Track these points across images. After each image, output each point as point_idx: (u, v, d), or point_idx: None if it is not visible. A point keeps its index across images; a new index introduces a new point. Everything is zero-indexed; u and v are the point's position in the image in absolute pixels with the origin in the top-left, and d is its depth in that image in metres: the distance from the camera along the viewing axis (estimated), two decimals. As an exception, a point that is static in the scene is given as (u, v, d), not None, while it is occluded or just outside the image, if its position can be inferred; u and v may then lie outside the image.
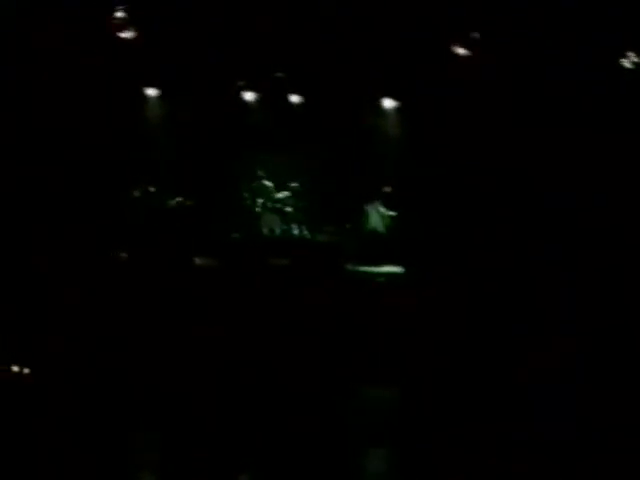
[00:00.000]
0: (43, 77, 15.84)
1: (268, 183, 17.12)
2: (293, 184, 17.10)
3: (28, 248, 15.15)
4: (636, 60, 14.70)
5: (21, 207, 15.54)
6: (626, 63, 14.69)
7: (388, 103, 16.89)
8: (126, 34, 15.60)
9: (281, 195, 17.05)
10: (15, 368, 12.58)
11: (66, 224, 15.64)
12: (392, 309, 14.55)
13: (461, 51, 15.51)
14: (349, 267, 15.85)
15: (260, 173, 17.09)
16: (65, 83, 15.95)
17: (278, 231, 16.89)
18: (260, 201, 17.02)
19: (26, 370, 12.62)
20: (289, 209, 17.00)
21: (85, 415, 11.06)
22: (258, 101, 17.07)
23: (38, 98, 15.85)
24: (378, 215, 16.62)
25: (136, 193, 16.67)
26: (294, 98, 17.02)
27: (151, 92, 17.03)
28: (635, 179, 14.93)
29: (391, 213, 16.54)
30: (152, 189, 16.76)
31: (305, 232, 16.82)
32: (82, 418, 10.95)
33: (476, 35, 15.39)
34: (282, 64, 16.52)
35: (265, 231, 16.88)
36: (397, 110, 16.94)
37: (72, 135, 16.06)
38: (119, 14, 15.41)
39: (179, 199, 16.70)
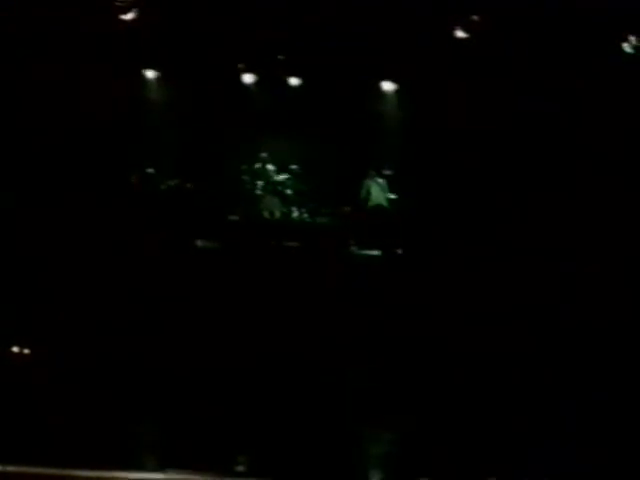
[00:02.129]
0: (42, 58, 15.84)
1: (268, 166, 17.13)
2: (293, 167, 17.12)
3: (29, 231, 15.20)
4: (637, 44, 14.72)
5: (22, 190, 15.58)
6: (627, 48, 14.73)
7: (387, 85, 16.90)
8: (127, 15, 15.59)
9: (281, 178, 17.08)
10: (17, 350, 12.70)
11: (66, 206, 15.67)
12: (392, 291, 14.65)
13: (461, 33, 15.52)
14: (349, 249, 15.92)
15: (260, 156, 17.12)
16: (65, 65, 15.94)
17: (278, 214, 16.92)
18: (260, 184, 17.04)
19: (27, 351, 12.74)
20: (289, 192, 17.02)
21: (87, 398, 11.15)
22: (258, 83, 17.06)
23: (37, 80, 15.85)
24: (379, 193, 16.62)
25: (137, 176, 16.68)
26: (294, 80, 17.01)
27: (152, 74, 17.00)
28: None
29: (392, 196, 16.57)
30: (153, 171, 16.79)
31: (305, 215, 16.86)
32: (84, 401, 11.03)
33: (476, 17, 15.38)
34: (282, 46, 16.49)
35: (265, 214, 16.91)
36: (396, 92, 16.93)
37: (72, 118, 16.05)
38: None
39: (179, 181, 16.73)
